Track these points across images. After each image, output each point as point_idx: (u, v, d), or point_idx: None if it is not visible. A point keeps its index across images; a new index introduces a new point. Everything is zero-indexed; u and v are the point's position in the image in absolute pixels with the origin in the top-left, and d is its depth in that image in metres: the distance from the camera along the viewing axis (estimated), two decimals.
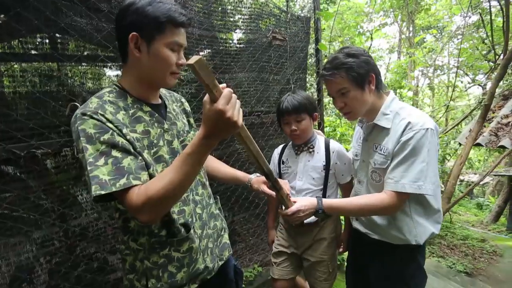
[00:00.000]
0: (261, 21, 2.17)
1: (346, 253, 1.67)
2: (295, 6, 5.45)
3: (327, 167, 1.55)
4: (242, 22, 2.07)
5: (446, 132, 5.05)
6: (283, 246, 1.67)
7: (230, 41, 2.01)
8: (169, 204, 0.84)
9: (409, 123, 1.15)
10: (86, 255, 1.53)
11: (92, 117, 0.80)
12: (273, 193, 1.22)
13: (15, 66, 1.36)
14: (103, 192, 0.75)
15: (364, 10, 6.20)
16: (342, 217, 1.90)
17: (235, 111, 0.74)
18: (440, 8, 7.48)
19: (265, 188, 1.26)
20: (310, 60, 2.85)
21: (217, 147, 1.94)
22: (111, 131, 0.81)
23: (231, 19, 2.00)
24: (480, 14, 4.52)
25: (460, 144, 4.32)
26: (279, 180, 1.19)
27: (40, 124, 1.30)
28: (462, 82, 7.08)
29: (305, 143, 1.57)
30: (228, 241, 1.22)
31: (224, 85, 0.77)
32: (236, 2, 2.01)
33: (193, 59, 0.68)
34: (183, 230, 0.96)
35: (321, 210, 1.23)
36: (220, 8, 1.92)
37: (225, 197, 2.10)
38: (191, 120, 1.21)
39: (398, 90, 8.20)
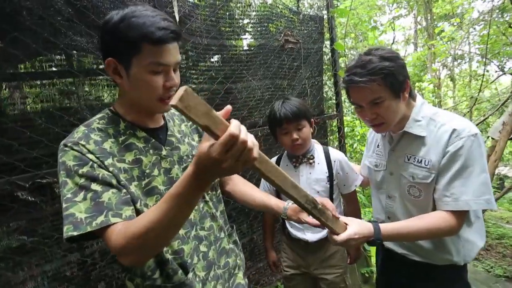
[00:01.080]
0: (271, 24, 2.03)
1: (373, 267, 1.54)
2: (303, 6, 5.30)
3: (330, 178, 1.41)
4: (251, 26, 1.94)
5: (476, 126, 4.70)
6: (293, 267, 1.53)
7: (240, 48, 1.89)
8: (154, 248, 0.72)
9: (454, 130, 1.01)
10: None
11: (72, 149, 0.74)
12: (318, 223, 0.99)
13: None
14: (75, 233, 0.68)
15: (376, 4, 5.94)
16: None
17: (237, 162, 0.58)
18: None
19: (307, 219, 1.06)
20: (326, 61, 2.69)
21: None
22: (91, 163, 0.74)
23: (239, 24, 1.88)
24: None
25: (492, 138, 4.00)
26: (318, 198, 0.97)
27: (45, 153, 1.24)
28: (488, 71, 6.65)
29: (304, 154, 1.42)
30: (243, 281, 1.05)
31: (227, 109, 0.60)
32: (244, 6, 1.89)
33: (176, 97, 0.51)
34: (180, 272, 0.83)
35: (380, 240, 1.01)
36: (228, 14, 1.80)
37: (243, 213, 1.98)
38: None
39: (417, 84, 7.83)
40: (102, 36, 0.77)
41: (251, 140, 0.59)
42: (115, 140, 0.80)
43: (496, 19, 5.86)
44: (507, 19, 5.73)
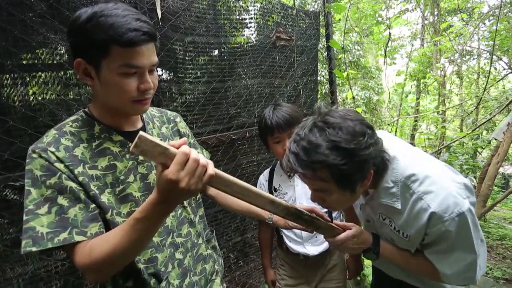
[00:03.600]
0: (263, 20, 1.95)
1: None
2: (306, 1, 5.15)
3: None
4: (240, 23, 1.87)
5: (479, 127, 4.57)
6: (292, 285, 1.46)
7: (228, 45, 1.82)
8: (119, 266, 0.72)
9: (432, 214, 0.80)
10: None
11: (40, 156, 0.70)
12: (301, 227, 1.00)
13: None
14: (34, 249, 0.65)
15: None
16: None
17: (193, 179, 0.61)
18: None
19: (296, 224, 1.03)
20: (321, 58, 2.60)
21: (218, 164, 1.78)
22: (59, 173, 0.70)
23: (228, 21, 1.81)
24: None
25: (495, 140, 3.88)
26: (304, 206, 0.94)
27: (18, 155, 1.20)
28: (496, 68, 6.44)
29: None
30: (220, 287, 1.04)
31: (182, 141, 0.62)
32: (231, 1, 1.81)
33: (133, 144, 0.56)
34: (152, 281, 0.81)
35: (376, 252, 0.95)
36: (215, 9, 1.73)
37: (229, 215, 1.95)
38: (191, 141, 1.05)
39: (422, 81, 7.64)
40: (69, 35, 0.72)
41: (203, 158, 0.63)
42: (88, 145, 0.77)
43: (508, 14, 5.65)
44: None
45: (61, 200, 0.69)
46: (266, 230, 1.52)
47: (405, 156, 0.88)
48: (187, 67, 1.67)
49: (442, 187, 0.82)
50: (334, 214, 1.41)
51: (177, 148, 0.61)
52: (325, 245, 1.38)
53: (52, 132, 0.75)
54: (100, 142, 0.78)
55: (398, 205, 0.86)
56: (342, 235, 0.92)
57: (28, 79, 1.25)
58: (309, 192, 1.29)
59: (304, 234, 1.36)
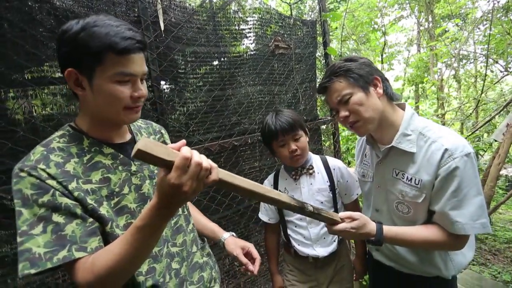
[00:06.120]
0: (262, 30, 2.02)
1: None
2: (305, 8, 5.27)
3: (332, 187, 1.37)
4: (240, 33, 1.93)
5: (479, 128, 4.58)
6: None
7: (228, 54, 1.88)
8: (122, 280, 0.70)
9: (446, 150, 0.96)
10: None
11: (30, 174, 0.67)
12: (249, 262, 1.06)
13: None
14: (33, 271, 0.63)
15: (377, 5, 5.89)
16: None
17: (196, 182, 0.60)
18: None
19: (240, 255, 1.07)
20: (320, 65, 2.66)
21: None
22: (52, 190, 0.68)
23: (228, 31, 1.87)
24: None
25: (495, 141, 3.90)
26: (302, 202, 0.97)
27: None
28: (492, 71, 6.51)
29: (303, 165, 1.39)
30: None
31: (181, 142, 0.62)
32: (233, 12, 1.88)
33: (134, 150, 0.57)
34: None
35: (380, 241, 1.01)
36: (215, 21, 1.79)
37: (233, 221, 1.96)
38: None
39: (420, 85, 7.71)
40: (59, 46, 0.72)
41: (206, 160, 0.62)
42: (79, 160, 0.75)
43: (502, 18, 5.75)
44: (511, 18, 5.61)
45: (57, 218, 0.67)
46: (272, 235, 1.52)
47: (421, 117, 1.11)
48: (189, 77, 1.72)
49: (452, 133, 1.01)
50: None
51: (178, 150, 0.60)
52: (334, 245, 1.40)
53: (39, 149, 0.73)
54: (91, 156, 0.77)
55: (414, 149, 1.02)
56: (341, 225, 0.99)
57: (36, 91, 1.28)
58: (315, 194, 1.38)
59: (313, 235, 1.38)
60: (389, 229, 1.03)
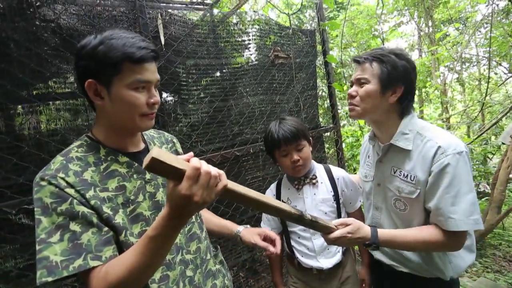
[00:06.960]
0: (261, 41, 2.05)
1: None
2: (305, 18, 5.35)
3: (336, 196, 1.35)
4: (239, 46, 1.96)
5: (486, 131, 4.51)
6: None
7: (229, 66, 1.91)
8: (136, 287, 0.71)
9: (439, 147, 1.00)
10: None
11: (50, 183, 0.70)
12: (269, 245, 1.06)
13: None
14: (50, 279, 0.65)
15: (376, 12, 5.95)
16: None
17: (207, 191, 0.62)
18: None
19: (258, 241, 1.09)
20: (320, 73, 2.68)
21: None
22: (70, 198, 0.70)
23: (228, 44, 1.90)
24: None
25: (503, 144, 3.83)
26: (299, 211, 0.97)
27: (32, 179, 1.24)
28: (496, 73, 6.46)
29: (306, 174, 1.36)
30: None
31: (189, 154, 0.64)
32: (233, 24, 1.92)
33: (146, 160, 0.57)
34: None
35: (376, 244, 1.03)
36: (215, 33, 1.83)
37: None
38: None
39: (423, 90, 7.68)
40: (78, 60, 0.77)
41: (214, 169, 0.64)
42: (96, 169, 0.78)
43: (502, 21, 5.74)
44: None
45: (73, 226, 0.69)
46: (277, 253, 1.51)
47: (419, 119, 1.14)
48: (190, 89, 1.74)
49: (447, 133, 1.06)
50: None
51: (187, 161, 0.62)
52: (338, 256, 1.37)
53: (59, 158, 0.76)
54: (107, 164, 0.80)
55: (410, 147, 1.06)
56: (336, 232, 1.00)
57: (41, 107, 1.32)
58: (318, 204, 1.37)
59: (317, 247, 1.35)
60: (383, 232, 1.04)
